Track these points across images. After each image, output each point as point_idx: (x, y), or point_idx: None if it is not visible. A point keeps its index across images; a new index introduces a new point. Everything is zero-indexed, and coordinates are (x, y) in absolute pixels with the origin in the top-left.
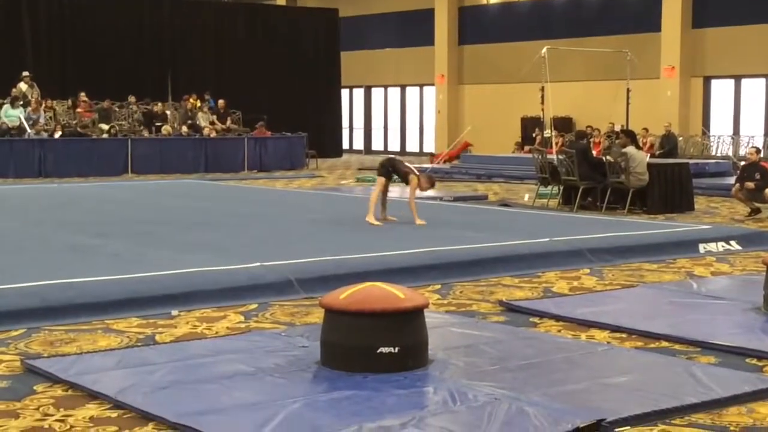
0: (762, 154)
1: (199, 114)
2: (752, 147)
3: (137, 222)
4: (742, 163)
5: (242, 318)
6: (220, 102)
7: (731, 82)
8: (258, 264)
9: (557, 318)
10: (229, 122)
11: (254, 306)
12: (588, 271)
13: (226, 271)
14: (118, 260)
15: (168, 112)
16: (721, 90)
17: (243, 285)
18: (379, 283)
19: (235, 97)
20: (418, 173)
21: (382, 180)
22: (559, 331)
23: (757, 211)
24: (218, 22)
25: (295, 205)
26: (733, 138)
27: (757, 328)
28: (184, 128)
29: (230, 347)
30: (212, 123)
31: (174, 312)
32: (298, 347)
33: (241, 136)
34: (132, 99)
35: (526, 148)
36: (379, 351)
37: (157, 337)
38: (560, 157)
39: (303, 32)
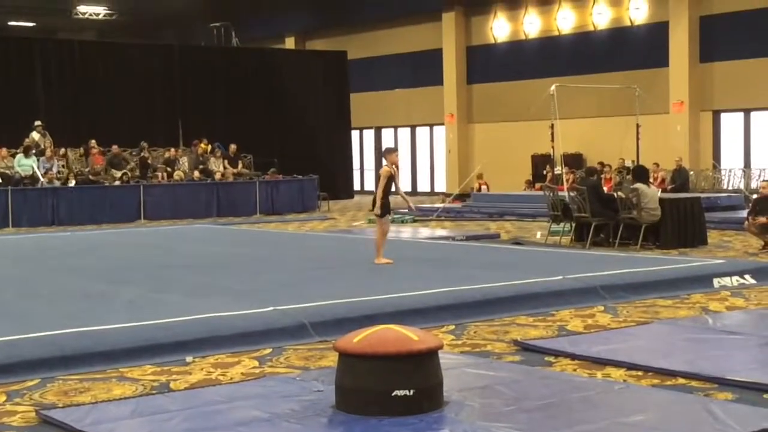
0: None
1: (211, 158)
2: (764, 180)
3: (151, 268)
4: (754, 196)
5: (257, 363)
6: (232, 146)
7: (741, 115)
8: (272, 308)
9: (573, 356)
10: (240, 166)
11: (269, 351)
12: (602, 308)
13: (240, 316)
14: (132, 307)
15: (167, 157)
16: (731, 123)
17: (257, 330)
18: (392, 326)
19: (247, 141)
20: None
21: (382, 220)
22: (575, 369)
23: None
24: (228, 66)
25: (308, 247)
26: (744, 171)
27: None
28: (196, 173)
29: (245, 393)
30: (224, 168)
31: (188, 359)
32: (313, 392)
33: (253, 179)
34: (144, 144)
35: (537, 185)
36: (394, 394)
37: (172, 385)
38: (571, 194)
39: (312, 75)
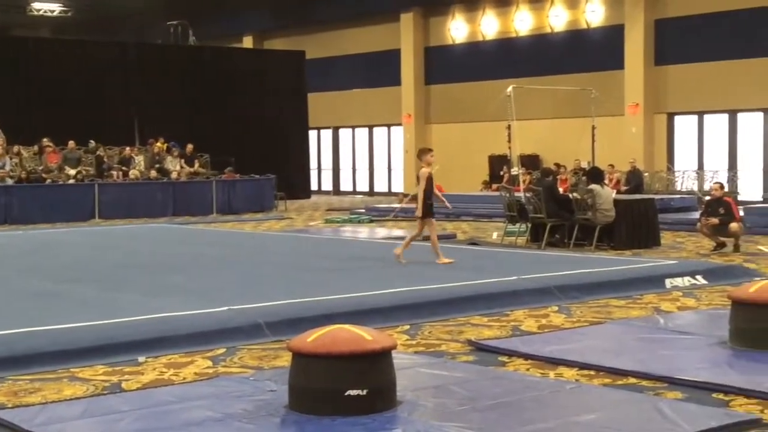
0: (726, 189)
1: (167, 158)
2: (716, 182)
3: (104, 267)
4: (707, 198)
5: (210, 363)
6: (188, 146)
7: (694, 118)
8: (226, 308)
9: (526, 356)
10: (197, 165)
11: (222, 350)
12: (556, 308)
13: (193, 316)
14: (85, 306)
15: (122, 156)
16: (685, 126)
17: (211, 329)
18: (346, 326)
19: (203, 140)
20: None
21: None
22: (528, 369)
23: (722, 245)
24: (185, 65)
25: (264, 247)
26: (697, 173)
27: (723, 363)
28: (152, 172)
29: (197, 393)
30: (180, 167)
31: (141, 359)
32: (267, 391)
33: (210, 179)
34: (93, 144)
35: (494, 186)
36: (347, 394)
37: (124, 385)
38: (527, 194)
39: (270, 75)
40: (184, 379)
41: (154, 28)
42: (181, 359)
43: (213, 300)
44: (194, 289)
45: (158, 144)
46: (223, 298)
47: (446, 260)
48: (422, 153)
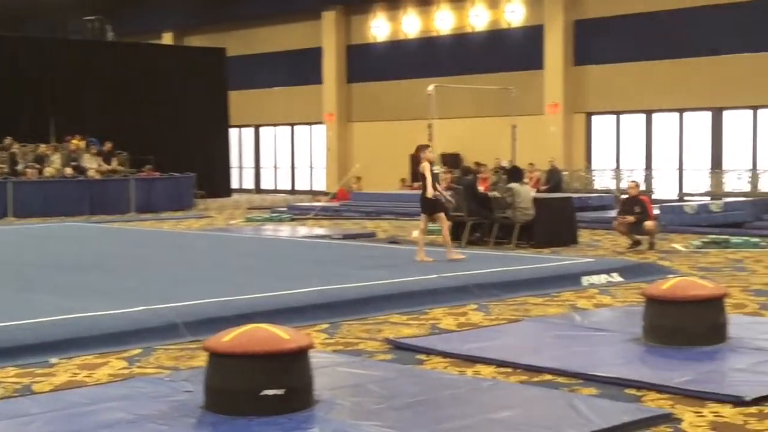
0: (641, 188)
1: (85, 155)
2: (632, 181)
3: (17, 267)
4: (623, 196)
5: (125, 364)
6: (107, 143)
7: (612, 117)
8: (142, 308)
9: (444, 354)
10: (115, 163)
11: (138, 351)
12: (475, 306)
13: (108, 316)
14: None
15: (37, 153)
16: (603, 125)
17: (126, 330)
18: (263, 325)
19: (122, 138)
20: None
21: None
22: (446, 367)
23: (638, 243)
24: (103, 61)
25: (183, 246)
26: (614, 172)
27: (636, 359)
28: (68, 170)
29: (111, 395)
30: (98, 164)
31: (53, 360)
32: (182, 392)
33: (128, 177)
34: (8, 141)
35: (415, 184)
36: (263, 393)
37: (35, 387)
38: (448, 193)
39: (190, 72)
40: (98, 380)
41: (71, 24)
42: (95, 360)
43: (129, 300)
44: (110, 289)
45: (75, 141)
46: (139, 297)
47: (458, 256)
48: (420, 149)
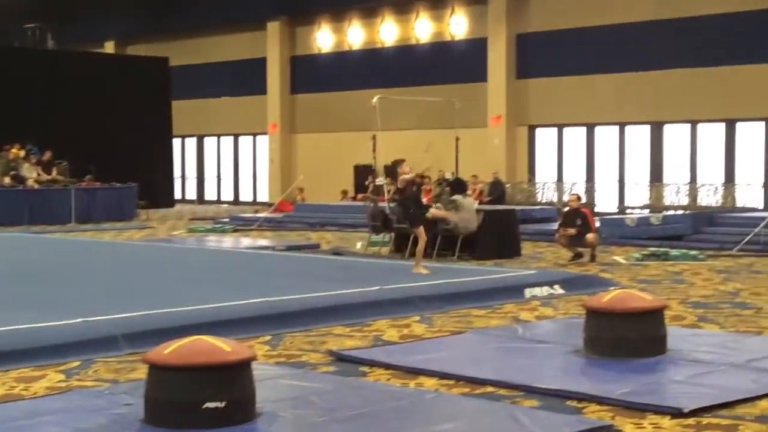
0: (583, 201)
1: (24, 164)
2: (573, 194)
3: None
4: (565, 209)
5: (63, 377)
6: (47, 152)
7: (554, 130)
8: (81, 320)
9: (387, 366)
10: (55, 173)
11: (77, 364)
12: (418, 318)
13: (46, 328)
14: None
15: None
16: (545, 138)
17: (65, 342)
18: (205, 337)
19: (63, 147)
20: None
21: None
22: (389, 379)
23: (579, 255)
24: (44, 69)
25: (124, 257)
26: (557, 185)
27: (577, 371)
28: (7, 179)
29: (49, 408)
30: (38, 174)
31: None
32: (122, 405)
33: (68, 187)
34: None
35: (359, 196)
36: (204, 406)
37: None
38: (392, 205)
39: (133, 81)
40: (35, 393)
41: (11, 31)
42: (32, 373)
43: (67, 312)
44: (48, 301)
45: (14, 150)
46: (78, 309)
47: (424, 270)
48: (397, 164)
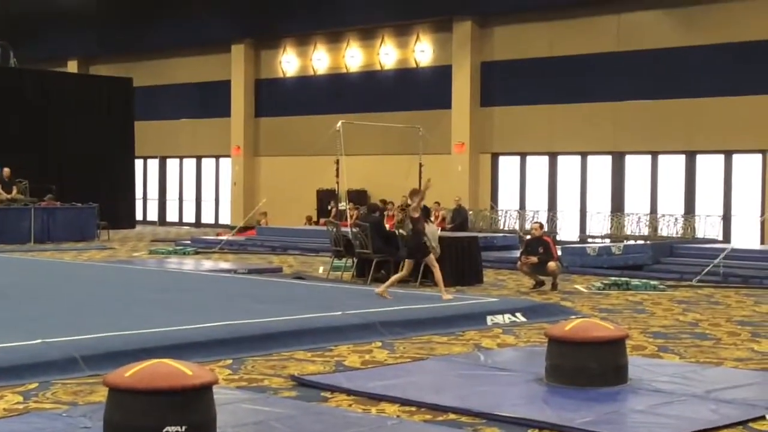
0: (545, 229)
1: None
2: (536, 222)
3: None
4: (527, 237)
5: (21, 398)
6: (6, 170)
7: (517, 158)
8: (39, 341)
9: (348, 392)
10: (14, 192)
11: (35, 385)
12: (380, 344)
13: (4, 349)
14: None
15: None
16: (508, 166)
17: (22, 363)
18: (166, 360)
19: (23, 166)
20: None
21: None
22: (350, 405)
23: (541, 283)
24: (4, 87)
25: (84, 278)
26: (519, 212)
27: (539, 399)
28: None
29: (6, 430)
30: None
31: None
32: (80, 428)
33: (28, 206)
34: None
35: (322, 220)
36: (165, 430)
37: None
38: (354, 230)
39: (96, 100)
40: None
41: None
42: None
43: (25, 332)
44: (6, 320)
45: None
46: (36, 330)
47: (387, 294)
48: (413, 194)
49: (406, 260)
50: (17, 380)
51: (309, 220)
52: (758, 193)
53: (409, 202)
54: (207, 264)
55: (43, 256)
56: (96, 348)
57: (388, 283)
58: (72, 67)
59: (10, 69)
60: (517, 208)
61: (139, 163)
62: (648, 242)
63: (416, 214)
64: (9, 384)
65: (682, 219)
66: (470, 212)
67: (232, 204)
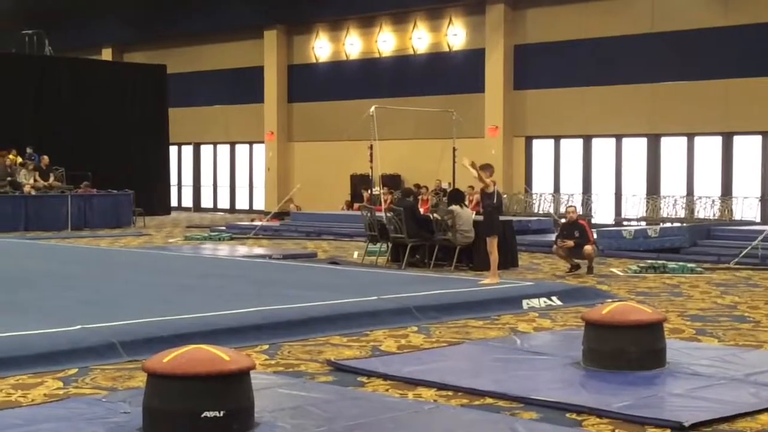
0: (580, 212)
1: (22, 170)
2: (571, 206)
3: None
4: (563, 220)
5: (61, 384)
6: (44, 158)
7: (551, 142)
8: (79, 327)
9: (385, 377)
10: (52, 179)
11: (74, 371)
12: (416, 328)
13: (44, 335)
14: None
15: None
16: (542, 149)
17: (62, 349)
18: (204, 346)
19: (60, 154)
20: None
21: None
22: (387, 390)
23: (577, 267)
24: (41, 75)
25: (121, 264)
26: (553, 196)
27: (576, 383)
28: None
29: (47, 415)
30: (34, 180)
31: None
32: (120, 413)
33: (65, 193)
34: None
35: (356, 205)
36: (203, 415)
37: None
38: (389, 214)
39: (130, 88)
40: (33, 400)
41: (8, 37)
42: (30, 380)
43: (65, 318)
44: (45, 307)
45: (11, 156)
46: (75, 316)
47: (492, 279)
48: (485, 168)
49: (488, 239)
50: (57, 366)
51: (349, 204)
52: None
53: (481, 177)
54: (242, 250)
55: (80, 242)
56: (134, 334)
57: (492, 270)
58: (106, 54)
59: (45, 57)
60: (552, 191)
61: (173, 150)
62: (684, 225)
63: (490, 190)
64: (49, 370)
65: (719, 201)
66: (504, 196)
67: (266, 190)
